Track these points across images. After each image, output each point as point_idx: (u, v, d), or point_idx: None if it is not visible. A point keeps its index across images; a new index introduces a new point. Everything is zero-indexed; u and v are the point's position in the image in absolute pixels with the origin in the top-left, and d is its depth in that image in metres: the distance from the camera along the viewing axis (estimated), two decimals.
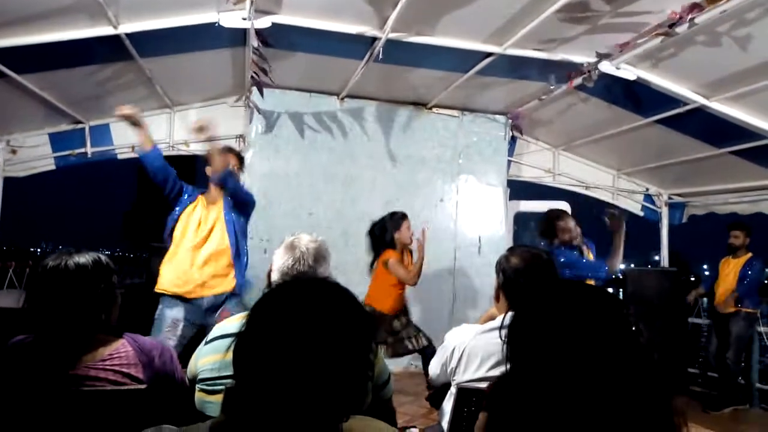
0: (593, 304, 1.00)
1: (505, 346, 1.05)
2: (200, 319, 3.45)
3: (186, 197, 3.59)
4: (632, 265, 4.56)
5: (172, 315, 3.39)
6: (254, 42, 3.97)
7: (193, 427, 1.00)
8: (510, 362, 1.03)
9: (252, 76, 4.63)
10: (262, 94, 4.92)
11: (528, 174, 6.75)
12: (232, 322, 1.84)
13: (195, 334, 3.40)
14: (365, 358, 0.96)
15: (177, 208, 3.57)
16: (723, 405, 5.14)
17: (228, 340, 1.68)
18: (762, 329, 5.59)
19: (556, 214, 4.18)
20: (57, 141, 5.52)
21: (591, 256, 4.15)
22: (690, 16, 3.38)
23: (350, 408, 0.95)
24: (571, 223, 4.04)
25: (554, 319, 0.99)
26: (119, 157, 5.79)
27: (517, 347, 1.03)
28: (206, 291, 3.46)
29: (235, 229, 3.55)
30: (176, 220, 3.55)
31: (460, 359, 1.95)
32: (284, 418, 0.89)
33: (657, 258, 7.31)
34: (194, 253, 3.48)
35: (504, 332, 1.07)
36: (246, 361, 0.93)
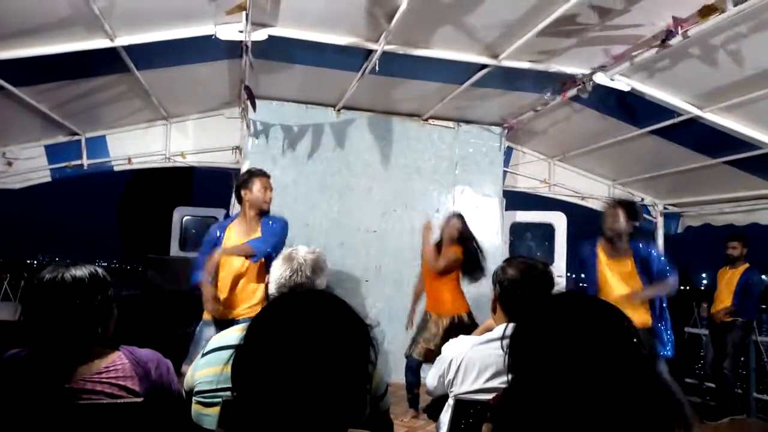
0: (596, 316, 1.00)
1: (506, 357, 1.05)
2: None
3: (219, 235, 3.63)
4: None
5: (210, 333, 3.41)
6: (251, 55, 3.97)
7: None
8: (512, 373, 1.03)
9: (246, 88, 4.64)
10: (254, 107, 4.94)
11: (524, 184, 6.79)
12: (229, 335, 1.83)
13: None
14: (363, 371, 0.96)
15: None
16: (721, 415, 5.13)
17: (225, 353, 1.68)
18: (759, 338, 5.59)
19: (618, 201, 4.08)
20: (53, 153, 5.54)
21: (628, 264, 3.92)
22: (683, 29, 3.41)
23: (348, 420, 0.95)
24: (620, 216, 3.85)
25: (558, 331, 0.98)
26: (115, 169, 5.80)
27: (520, 358, 1.03)
28: (235, 313, 3.52)
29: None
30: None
31: (457, 371, 1.94)
32: (283, 431, 0.89)
33: None
34: (228, 280, 3.55)
35: (505, 343, 1.07)
36: (245, 374, 0.93)
